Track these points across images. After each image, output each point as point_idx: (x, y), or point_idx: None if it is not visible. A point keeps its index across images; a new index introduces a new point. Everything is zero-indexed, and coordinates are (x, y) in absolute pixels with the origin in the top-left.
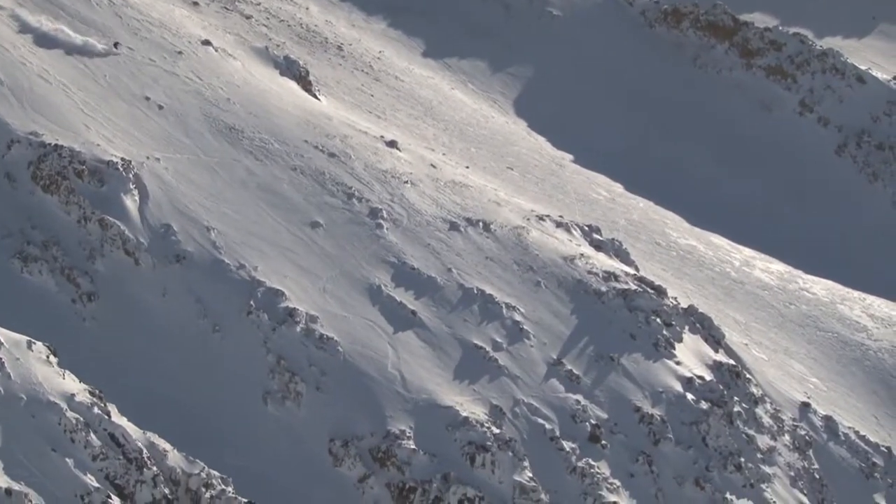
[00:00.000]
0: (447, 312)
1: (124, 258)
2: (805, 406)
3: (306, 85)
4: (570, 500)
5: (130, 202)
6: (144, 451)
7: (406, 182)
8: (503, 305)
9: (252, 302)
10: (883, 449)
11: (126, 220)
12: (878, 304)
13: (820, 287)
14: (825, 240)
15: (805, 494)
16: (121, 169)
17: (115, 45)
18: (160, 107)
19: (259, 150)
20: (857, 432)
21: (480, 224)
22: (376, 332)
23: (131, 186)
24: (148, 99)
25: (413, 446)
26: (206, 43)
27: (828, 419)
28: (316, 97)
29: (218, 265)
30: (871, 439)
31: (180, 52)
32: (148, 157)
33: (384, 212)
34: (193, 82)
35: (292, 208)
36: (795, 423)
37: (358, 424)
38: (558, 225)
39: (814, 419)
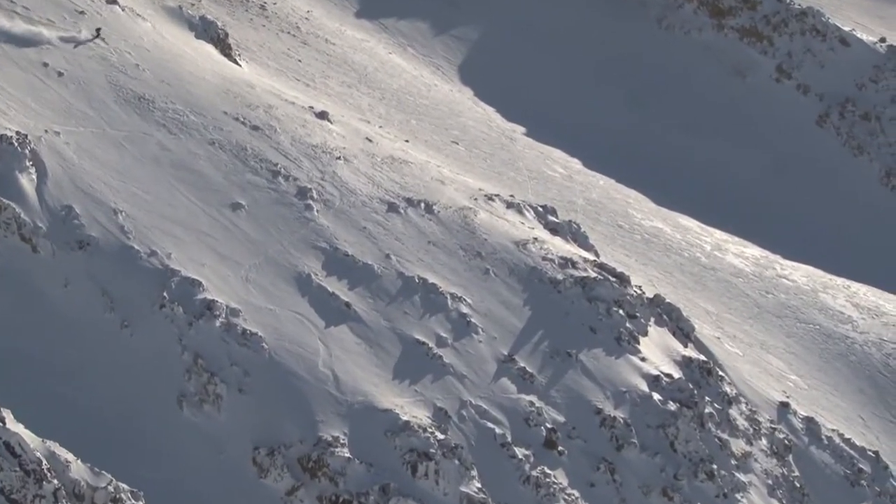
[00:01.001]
0: (385, 304)
1: (20, 244)
2: (784, 406)
3: (225, 49)
4: None
5: (27, 181)
6: (44, 461)
7: (338, 158)
8: (448, 296)
9: (165, 293)
10: (870, 453)
11: (22, 201)
12: (865, 293)
13: (800, 273)
14: (806, 221)
15: None
16: (15, 144)
17: (98, 30)
18: (59, 74)
19: (172, 123)
20: (841, 435)
21: (422, 205)
22: (306, 326)
23: (27, 164)
24: (46, 65)
25: (348, 454)
26: (112, 2)
27: (809, 421)
28: (236, 63)
29: (126, 252)
30: (857, 443)
31: (82, 13)
32: (46, 131)
33: (314, 191)
34: (97, 46)
35: (210, 188)
36: (773, 426)
37: (285, 430)
38: (509, 205)
39: (794, 421)
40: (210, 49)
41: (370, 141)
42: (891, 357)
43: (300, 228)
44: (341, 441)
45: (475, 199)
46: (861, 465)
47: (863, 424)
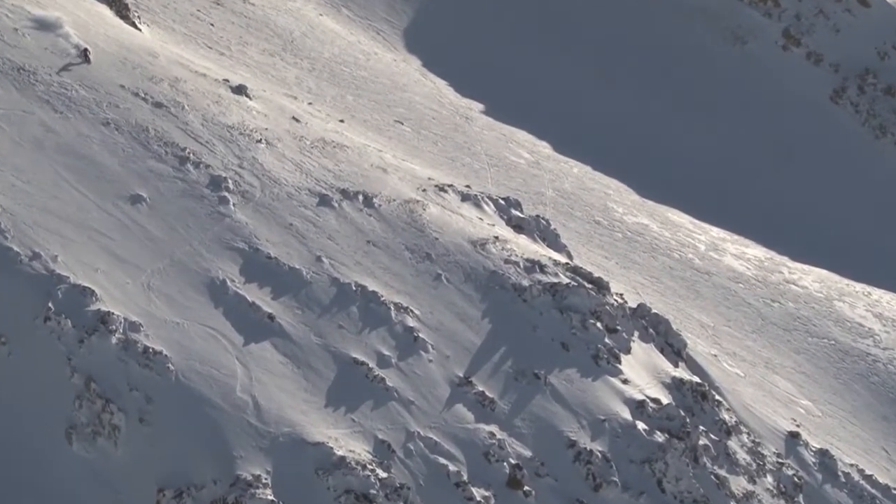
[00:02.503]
0: (316, 316)
1: None
2: (793, 437)
3: (122, 10)
4: None
5: None
6: None
7: (259, 141)
8: (391, 307)
9: (51, 304)
10: (895, 493)
11: None
12: (888, 301)
13: (812, 278)
14: (818, 216)
15: None
16: None
17: (85, 51)
18: None
19: (58, 99)
20: (861, 471)
21: (360, 197)
22: (220, 343)
23: None
24: None
25: (271, 497)
26: None
27: (823, 454)
28: (136, 27)
29: (3, 255)
30: (880, 480)
31: None
32: None
33: (230, 181)
34: None
35: (105, 177)
36: (781, 460)
37: (196, 469)
38: (465, 198)
39: (805, 454)
40: (103, 10)
41: (297, 121)
42: None
43: (213, 226)
44: (263, 481)
45: (424, 190)
46: None
47: (887, 458)
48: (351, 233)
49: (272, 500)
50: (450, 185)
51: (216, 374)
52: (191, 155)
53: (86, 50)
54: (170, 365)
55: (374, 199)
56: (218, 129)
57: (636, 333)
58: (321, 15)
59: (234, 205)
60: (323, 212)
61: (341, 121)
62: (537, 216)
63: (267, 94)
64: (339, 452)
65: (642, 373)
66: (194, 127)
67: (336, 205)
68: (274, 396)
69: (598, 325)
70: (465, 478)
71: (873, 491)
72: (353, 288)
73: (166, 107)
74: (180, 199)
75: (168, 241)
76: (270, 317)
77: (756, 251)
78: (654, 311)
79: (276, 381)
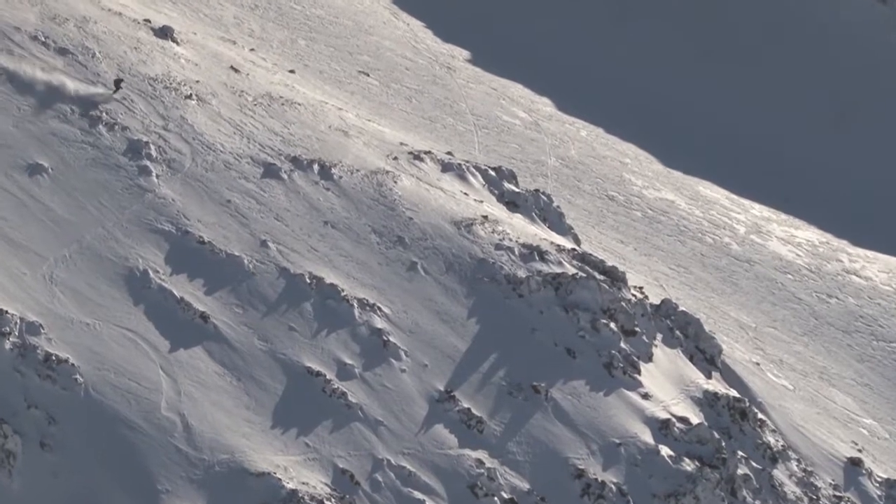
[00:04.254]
0: (260, 316)
1: None
2: (854, 465)
3: None
4: None
5: None
6: None
7: (189, 97)
8: (355, 303)
9: None
10: None
11: None
12: None
13: (877, 267)
14: (885, 189)
15: None
16: None
17: (117, 83)
18: None
19: None
20: None
21: (315, 167)
22: (141, 349)
23: None
24: None
25: None
26: None
27: (891, 486)
28: None
29: None
30: None
31: None
32: None
33: (152, 147)
34: None
35: None
36: (839, 494)
37: (111, 503)
38: (446, 167)
39: (868, 486)
40: None
41: (236, 71)
42: None
43: (132, 203)
44: None
45: (395, 158)
46: None
47: None
48: (304, 211)
49: None
50: (427, 153)
51: (136, 387)
52: (103, 114)
53: (118, 80)
54: (78, 376)
55: (333, 170)
56: (137, 81)
57: (659, 336)
58: None
59: (157, 177)
60: (269, 185)
61: (291, 71)
62: (536, 191)
63: (198, 37)
64: (290, 485)
65: (667, 385)
66: (108, 79)
67: (285, 176)
68: (208, 416)
69: (612, 326)
70: None
71: None
72: (307, 280)
73: (72, 54)
74: (90, 169)
75: (75, 223)
76: (203, 316)
77: (808, 234)
78: (681, 308)
79: (211, 396)
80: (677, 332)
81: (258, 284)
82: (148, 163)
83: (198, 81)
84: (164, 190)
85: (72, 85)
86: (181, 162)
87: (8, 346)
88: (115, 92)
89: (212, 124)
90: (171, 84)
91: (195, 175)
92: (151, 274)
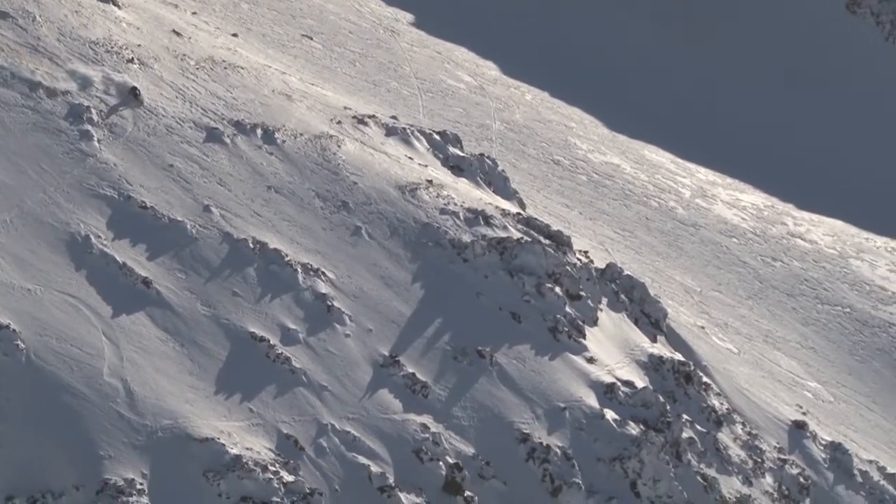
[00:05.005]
0: (203, 281)
1: None
2: (799, 428)
3: None
4: None
5: None
6: None
7: (131, 61)
8: (298, 268)
9: None
10: None
11: None
12: None
13: (822, 231)
14: (830, 152)
15: None
16: None
17: (134, 89)
18: None
19: None
20: (882, 469)
21: (259, 132)
22: (83, 315)
23: None
24: None
25: None
26: None
27: (836, 448)
28: None
29: None
30: None
31: None
32: None
33: (94, 112)
34: None
35: None
36: (783, 457)
37: (54, 472)
38: (390, 132)
39: (813, 449)
40: None
41: (178, 35)
42: None
43: (73, 167)
44: (138, 486)
45: (339, 122)
46: None
47: None
48: (247, 176)
49: None
50: (371, 117)
51: (77, 353)
52: (43, 79)
53: (134, 88)
54: (19, 342)
55: (277, 134)
56: (78, 45)
57: (604, 300)
58: None
59: (99, 141)
60: (212, 150)
61: (234, 35)
62: (481, 155)
63: (140, 0)
64: (234, 451)
65: (612, 349)
66: (48, 43)
67: (228, 141)
68: (151, 381)
69: (557, 290)
70: (391, 481)
71: None
72: (251, 245)
73: (12, 17)
74: (30, 133)
75: (15, 188)
76: (146, 282)
77: (753, 197)
78: (626, 272)
79: (154, 361)
80: (622, 296)
81: (201, 249)
82: (89, 127)
83: (139, 45)
84: (105, 155)
85: (12, 49)
86: (123, 126)
87: None
88: (136, 99)
89: (154, 89)
90: (112, 48)
91: (137, 140)
92: (93, 239)
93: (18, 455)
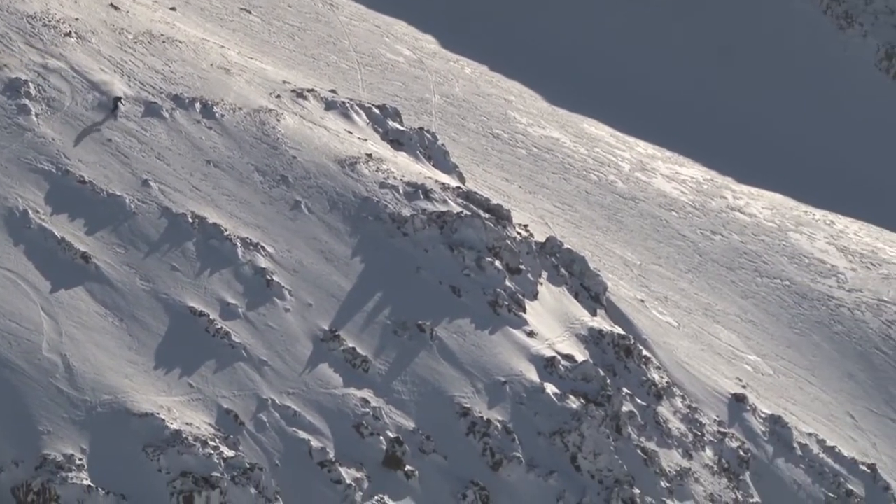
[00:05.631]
0: (142, 256)
1: None
2: (738, 401)
3: None
4: None
5: None
6: None
7: (69, 35)
8: (238, 243)
9: None
10: (863, 468)
11: None
12: (855, 231)
13: (761, 204)
14: (769, 126)
15: None
16: None
17: (116, 100)
18: None
19: None
20: (822, 442)
21: (197, 106)
22: (21, 290)
23: None
24: None
25: (87, 481)
26: None
27: (775, 421)
28: None
29: None
30: (845, 453)
31: None
32: None
33: (31, 86)
34: None
35: None
36: (723, 430)
37: None
38: (330, 105)
39: (752, 422)
40: None
41: (116, 8)
42: (893, 326)
43: (11, 142)
44: (78, 462)
45: (278, 96)
46: (850, 486)
47: (853, 426)
48: (186, 150)
49: (89, 486)
50: (310, 91)
51: (16, 328)
52: None
53: (117, 99)
54: None
55: (215, 109)
56: (15, 19)
57: (545, 274)
58: None
59: (37, 115)
60: (150, 124)
61: (172, 9)
62: (421, 128)
63: None
64: (174, 426)
65: (552, 323)
66: None
67: (167, 115)
68: (90, 356)
69: (497, 264)
70: (331, 456)
71: (836, 466)
72: (189, 220)
73: None
74: None
75: None
76: (84, 256)
77: (693, 171)
78: (566, 246)
79: (93, 337)
80: (562, 270)
81: (140, 224)
82: (27, 101)
83: (77, 19)
84: (43, 129)
85: None
86: (61, 101)
87: None
88: (113, 110)
89: (92, 63)
90: (49, 22)
91: (75, 114)
92: (31, 214)
93: None
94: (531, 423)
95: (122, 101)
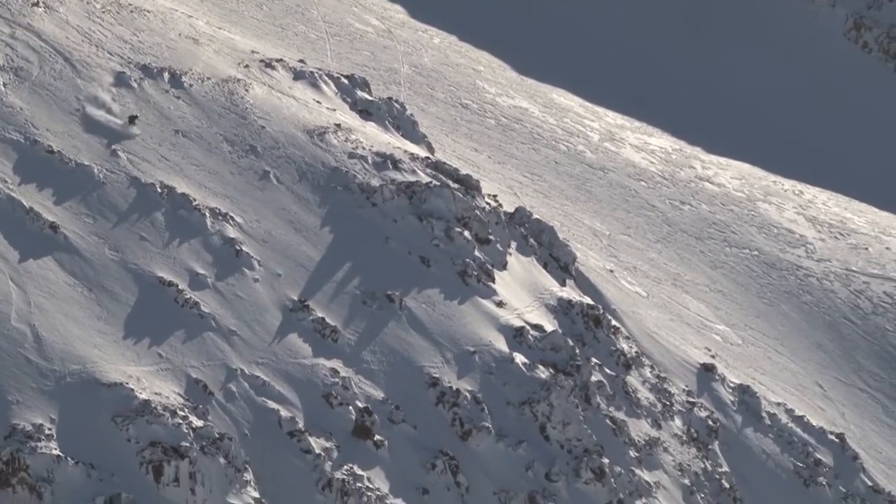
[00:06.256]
0: (111, 226)
1: None
2: (707, 371)
3: None
4: None
5: None
6: None
7: (36, 4)
8: (207, 213)
9: None
10: (832, 438)
11: None
12: (824, 201)
13: (730, 174)
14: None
15: None
16: None
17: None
18: None
19: None
20: (790, 412)
21: (166, 75)
22: None
23: None
24: None
25: (56, 451)
26: None
27: (744, 391)
28: None
29: None
30: (813, 422)
31: None
32: None
33: None
34: None
35: None
36: (692, 400)
37: None
38: (298, 76)
39: (721, 392)
40: None
41: None
42: (862, 296)
43: None
44: (47, 431)
45: (246, 66)
46: (819, 455)
47: (821, 395)
48: (154, 120)
49: (58, 455)
50: (279, 60)
51: None
52: None
53: (132, 117)
54: None
55: (184, 78)
56: None
57: (513, 245)
58: None
59: (4, 85)
60: (119, 93)
61: None
62: (389, 99)
63: None
64: (143, 395)
65: (521, 293)
66: None
67: (135, 85)
68: (59, 326)
69: (466, 234)
70: (300, 425)
71: (804, 435)
72: (158, 190)
73: None
74: None
75: None
76: (53, 226)
77: (661, 141)
78: (535, 216)
79: (62, 307)
80: (531, 240)
81: (108, 194)
82: None
83: None
84: (11, 99)
85: None
86: (29, 70)
87: None
88: (130, 124)
89: (59, 32)
90: None
91: (43, 84)
92: (0, 185)
93: None
94: (500, 393)
95: (138, 118)
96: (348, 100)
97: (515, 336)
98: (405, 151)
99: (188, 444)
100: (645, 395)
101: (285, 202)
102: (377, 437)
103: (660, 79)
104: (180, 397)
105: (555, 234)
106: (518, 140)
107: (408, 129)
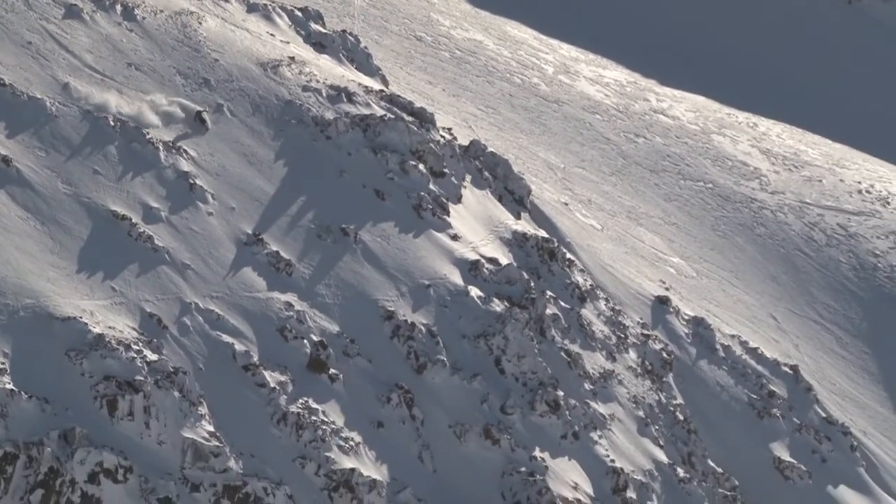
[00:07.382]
0: (64, 159)
1: None
2: (662, 303)
3: None
4: (276, 466)
5: None
6: None
7: None
8: (160, 146)
9: None
10: (786, 370)
11: None
12: (778, 133)
13: (685, 106)
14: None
15: (661, 447)
16: None
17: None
18: None
19: None
20: (744, 344)
21: (118, 7)
22: None
23: None
24: None
25: (10, 385)
26: None
27: (698, 323)
28: None
29: None
30: (768, 354)
31: None
32: None
33: None
34: None
35: None
36: (646, 332)
37: None
38: (251, 8)
39: (676, 324)
40: None
41: None
42: (816, 228)
43: None
44: (0, 366)
45: None
46: (773, 387)
47: (776, 327)
48: (107, 53)
49: (12, 390)
50: None
51: None
52: None
53: (199, 112)
54: None
55: (136, 11)
56: None
57: (468, 178)
58: None
59: None
60: (71, 26)
61: None
62: (343, 31)
63: None
64: (96, 329)
65: (476, 226)
66: None
67: (87, 17)
68: (11, 260)
69: (421, 167)
70: (255, 359)
71: (759, 367)
72: (111, 123)
73: None
74: None
75: None
76: (6, 160)
77: (616, 73)
78: (490, 149)
79: (14, 240)
80: (486, 173)
81: (61, 127)
82: None
83: None
84: None
85: None
86: None
87: None
88: (197, 118)
89: None
90: None
91: None
92: None
93: None
94: (455, 326)
95: (205, 112)
96: (302, 33)
97: (470, 269)
98: (359, 84)
99: (142, 378)
100: (599, 327)
101: (239, 135)
102: (332, 370)
103: (614, 11)
104: (134, 331)
105: (509, 167)
106: (472, 73)
107: (362, 61)
